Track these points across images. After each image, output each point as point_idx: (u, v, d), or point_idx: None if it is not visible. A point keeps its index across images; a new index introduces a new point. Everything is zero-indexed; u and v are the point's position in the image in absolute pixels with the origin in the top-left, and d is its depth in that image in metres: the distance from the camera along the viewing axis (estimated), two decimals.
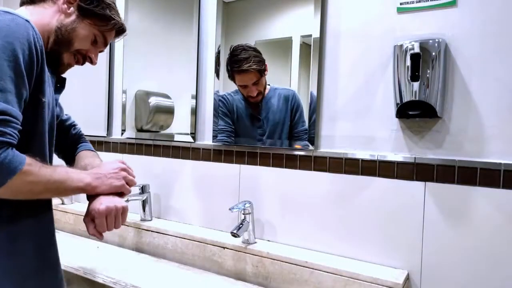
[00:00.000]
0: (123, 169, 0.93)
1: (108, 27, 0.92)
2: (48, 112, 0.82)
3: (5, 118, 0.68)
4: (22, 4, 0.88)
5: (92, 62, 0.95)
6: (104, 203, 0.86)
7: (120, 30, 0.97)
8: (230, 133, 1.41)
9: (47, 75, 0.81)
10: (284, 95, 1.31)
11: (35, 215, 0.84)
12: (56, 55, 0.88)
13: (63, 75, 0.95)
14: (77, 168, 0.96)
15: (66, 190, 0.82)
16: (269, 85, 1.35)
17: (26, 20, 0.74)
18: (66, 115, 1.12)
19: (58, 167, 0.81)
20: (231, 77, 1.38)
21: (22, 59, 0.71)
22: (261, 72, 1.33)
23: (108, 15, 0.91)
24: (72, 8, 0.87)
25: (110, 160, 0.96)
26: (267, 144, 1.34)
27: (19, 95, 0.71)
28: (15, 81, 0.71)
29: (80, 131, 1.14)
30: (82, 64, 0.95)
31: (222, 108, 1.43)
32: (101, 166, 0.93)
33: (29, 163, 0.72)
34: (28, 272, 0.81)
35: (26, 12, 0.86)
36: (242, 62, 1.33)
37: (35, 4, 0.87)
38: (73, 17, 0.87)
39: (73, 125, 1.12)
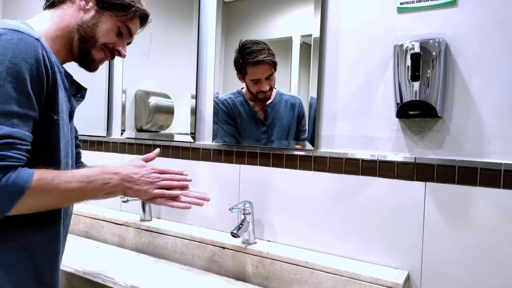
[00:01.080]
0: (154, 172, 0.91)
1: (129, 15, 0.90)
2: (62, 128, 0.81)
3: (7, 141, 0.68)
4: (44, 8, 0.88)
5: (120, 55, 0.94)
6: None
7: (143, 17, 0.94)
8: (234, 137, 1.40)
9: (62, 91, 0.81)
10: (291, 102, 1.29)
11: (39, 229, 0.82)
12: (85, 53, 0.88)
13: (85, 86, 0.94)
14: None
15: (91, 195, 0.81)
16: (274, 88, 1.34)
17: (36, 39, 0.73)
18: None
19: (79, 172, 0.79)
20: (243, 71, 1.33)
21: (30, 79, 0.71)
22: (275, 65, 1.29)
23: (127, 3, 0.89)
24: (90, 4, 0.87)
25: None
26: (271, 144, 1.33)
27: (26, 116, 0.71)
28: (22, 102, 0.70)
29: (80, 154, 1.11)
30: (112, 58, 0.94)
31: (223, 115, 1.41)
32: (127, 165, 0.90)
33: (38, 178, 0.71)
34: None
35: (48, 16, 0.86)
36: (256, 53, 1.29)
37: (56, 7, 0.87)
38: (92, 12, 0.86)
39: (77, 148, 1.09)
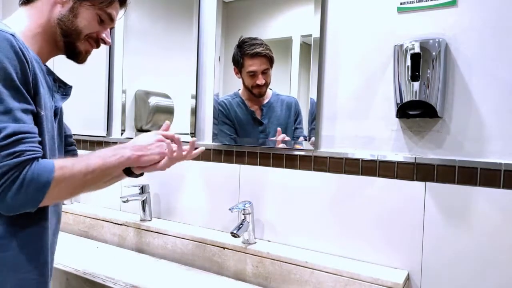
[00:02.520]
0: (160, 140, 0.92)
1: (106, 1, 0.88)
2: (46, 124, 0.80)
3: (17, 138, 0.69)
4: (20, 4, 0.87)
5: (105, 42, 0.93)
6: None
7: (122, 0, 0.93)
8: (232, 138, 1.40)
9: (44, 88, 0.80)
10: (287, 101, 1.30)
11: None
12: (70, 46, 0.87)
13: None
14: None
15: (110, 172, 0.83)
16: (270, 89, 1.35)
17: (11, 34, 0.73)
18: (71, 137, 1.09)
19: (92, 154, 0.81)
20: (240, 63, 1.34)
21: (15, 74, 0.71)
22: (272, 61, 1.30)
23: None
24: None
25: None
26: (266, 144, 1.33)
27: (25, 110, 0.72)
28: (17, 97, 0.71)
29: (75, 151, 1.11)
30: (98, 47, 0.93)
31: (221, 116, 1.42)
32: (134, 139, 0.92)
33: (60, 167, 0.73)
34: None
35: (25, 13, 0.85)
36: (255, 46, 1.31)
37: (32, 3, 0.85)
38: (70, 4, 0.85)
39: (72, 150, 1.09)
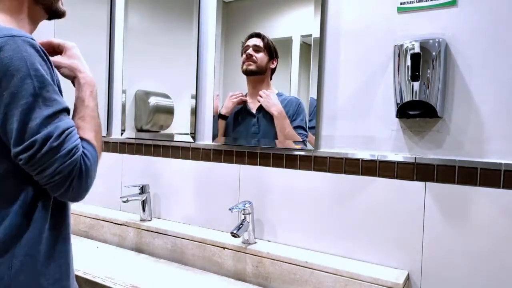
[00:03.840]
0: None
1: None
2: None
3: (69, 131, 0.72)
4: None
5: None
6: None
7: None
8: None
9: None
10: (288, 101, 1.31)
11: None
12: (55, 13, 0.88)
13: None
14: None
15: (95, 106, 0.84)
16: (275, 89, 1.35)
17: (32, 38, 0.73)
18: None
19: (85, 114, 0.81)
20: (243, 48, 1.39)
21: (50, 74, 0.73)
22: (269, 49, 1.34)
23: None
24: None
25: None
26: (260, 141, 1.33)
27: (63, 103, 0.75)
28: (58, 98, 0.73)
29: None
30: None
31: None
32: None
33: (92, 141, 0.78)
34: None
35: None
36: (260, 33, 1.37)
37: None
38: None
39: None
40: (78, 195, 0.75)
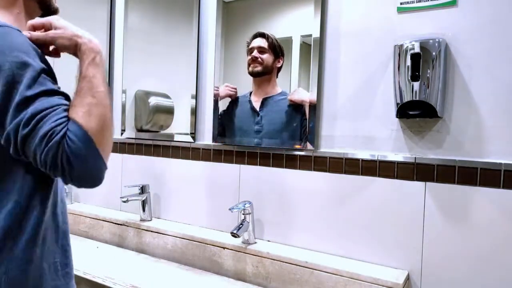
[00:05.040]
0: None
1: None
2: None
3: (42, 115, 0.64)
4: None
5: None
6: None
7: None
8: (226, 126, 1.45)
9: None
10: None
11: None
12: (48, 9, 0.87)
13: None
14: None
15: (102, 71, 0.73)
16: (280, 88, 1.35)
17: (17, 29, 0.71)
18: None
19: (84, 85, 0.71)
20: (248, 50, 1.39)
21: (36, 58, 0.69)
22: (274, 48, 1.34)
23: None
24: None
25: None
26: (262, 140, 1.33)
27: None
28: (54, 83, 0.69)
29: None
30: None
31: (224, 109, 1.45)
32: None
33: (80, 117, 0.66)
34: None
35: None
36: (264, 33, 1.37)
37: None
38: None
39: None
40: (85, 179, 0.66)
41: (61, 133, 0.63)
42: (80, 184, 0.67)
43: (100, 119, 0.68)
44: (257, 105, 1.38)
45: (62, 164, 0.63)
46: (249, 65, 1.38)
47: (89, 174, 0.66)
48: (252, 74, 1.38)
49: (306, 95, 1.27)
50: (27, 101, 0.64)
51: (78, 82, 0.71)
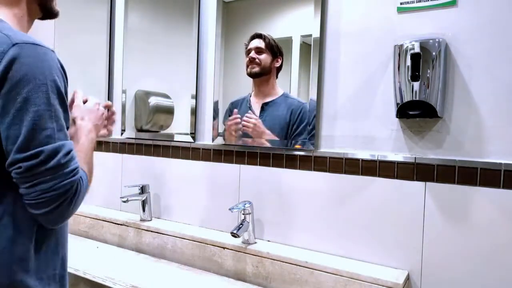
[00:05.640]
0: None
1: None
2: None
3: (72, 155, 0.72)
4: None
5: None
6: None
7: None
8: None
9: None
10: (295, 105, 1.29)
11: None
12: (49, 13, 0.88)
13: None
14: None
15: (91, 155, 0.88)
16: (281, 90, 1.35)
17: (52, 50, 0.74)
18: None
19: (79, 147, 0.84)
20: (246, 50, 1.39)
21: (64, 92, 0.74)
22: (271, 48, 1.34)
23: None
24: None
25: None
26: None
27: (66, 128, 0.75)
28: (66, 115, 0.74)
29: None
30: None
31: (228, 111, 1.45)
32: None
33: (86, 174, 0.79)
34: None
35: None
36: (261, 33, 1.37)
37: None
38: None
39: None
40: (61, 218, 0.74)
41: (80, 173, 0.73)
42: (56, 218, 0.73)
43: (91, 181, 0.85)
44: (257, 110, 1.37)
45: (68, 196, 0.70)
46: (247, 66, 1.38)
47: (71, 212, 0.75)
48: (250, 75, 1.38)
49: (264, 134, 1.32)
50: (60, 132, 0.72)
51: (77, 138, 0.86)
